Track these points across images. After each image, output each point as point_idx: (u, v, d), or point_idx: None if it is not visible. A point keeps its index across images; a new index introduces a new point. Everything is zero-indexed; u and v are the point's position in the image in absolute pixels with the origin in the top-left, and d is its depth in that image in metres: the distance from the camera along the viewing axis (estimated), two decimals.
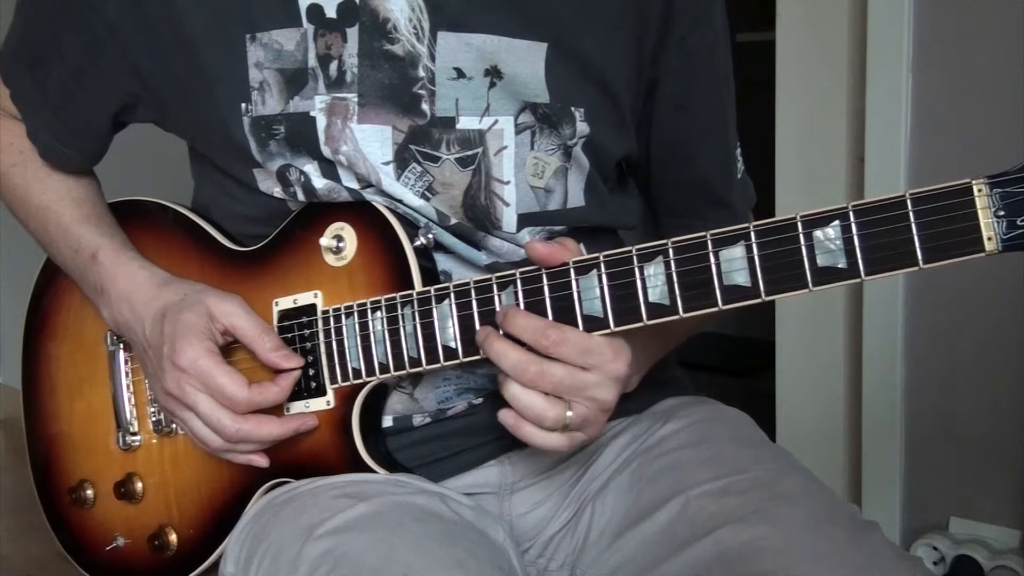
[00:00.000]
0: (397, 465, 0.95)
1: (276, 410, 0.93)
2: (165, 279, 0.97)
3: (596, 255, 0.82)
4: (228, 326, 0.91)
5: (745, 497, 0.88)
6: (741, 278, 0.77)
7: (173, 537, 1.02)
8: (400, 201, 0.92)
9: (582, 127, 0.93)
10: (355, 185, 0.92)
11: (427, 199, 0.92)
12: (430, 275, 0.91)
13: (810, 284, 0.75)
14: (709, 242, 0.78)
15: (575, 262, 0.82)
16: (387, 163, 0.91)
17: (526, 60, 0.90)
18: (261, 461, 0.93)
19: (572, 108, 0.92)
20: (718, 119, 1.01)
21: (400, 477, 0.93)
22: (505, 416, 0.83)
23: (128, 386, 1.05)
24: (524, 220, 0.94)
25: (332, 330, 0.92)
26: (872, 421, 1.84)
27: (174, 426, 1.01)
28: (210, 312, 0.91)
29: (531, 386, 0.81)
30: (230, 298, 0.93)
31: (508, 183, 0.93)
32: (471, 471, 0.99)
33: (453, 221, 0.93)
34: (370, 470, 0.92)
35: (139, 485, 1.04)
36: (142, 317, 0.95)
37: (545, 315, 0.83)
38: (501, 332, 0.83)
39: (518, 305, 0.84)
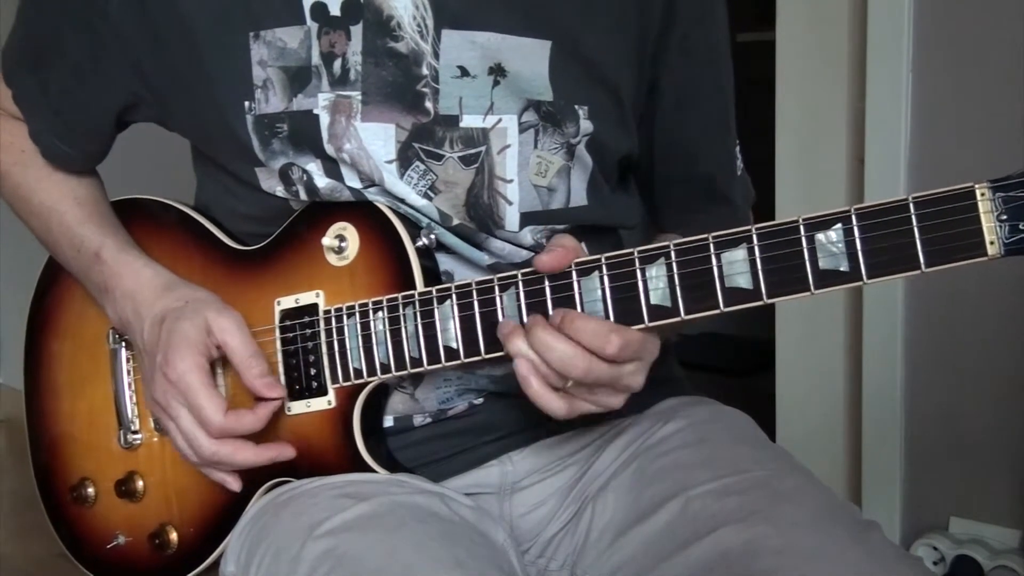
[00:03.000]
0: (398, 465, 0.95)
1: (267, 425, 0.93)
2: (169, 281, 0.97)
3: (598, 256, 0.82)
4: (221, 342, 0.92)
5: (745, 497, 0.88)
6: (743, 280, 0.77)
7: (174, 536, 1.02)
8: (403, 200, 0.92)
9: (586, 125, 0.93)
10: (358, 184, 0.92)
11: (430, 198, 0.92)
12: (432, 275, 0.91)
13: (812, 287, 0.75)
14: (711, 244, 0.78)
15: (577, 263, 0.82)
16: (390, 161, 0.91)
17: (530, 58, 0.90)
18: (234, 485, 0.94)
19: (576, 106, 0.92)
20: (719, 117, 1.02)
21: (400, 477, 0.93)
22: (520, 365, 0.81)
23: (130, 384, 1.05)
24: (527, 219, 0.94)
25: (334, 330, 0.92)
26: (872, 421, 1.84)
27: None
28: (208, 326, 0.92)
29: (576, 379, 0.80)
30: (229, 314, 0.93)
31: (511, 182, 0.93)
32: (472, 471, 0.99)
33: (455, 222, 0.93)
34: (371, 470, 0.92)
35: (140, 483, 1.04)
36: (143, 318, 0.95)
37: (546, 316, 0.83)
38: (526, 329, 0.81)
39: (519, 306, 0.84)
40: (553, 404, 0.82)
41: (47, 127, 1.04)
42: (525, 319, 0.83)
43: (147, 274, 0.98)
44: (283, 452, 0.93)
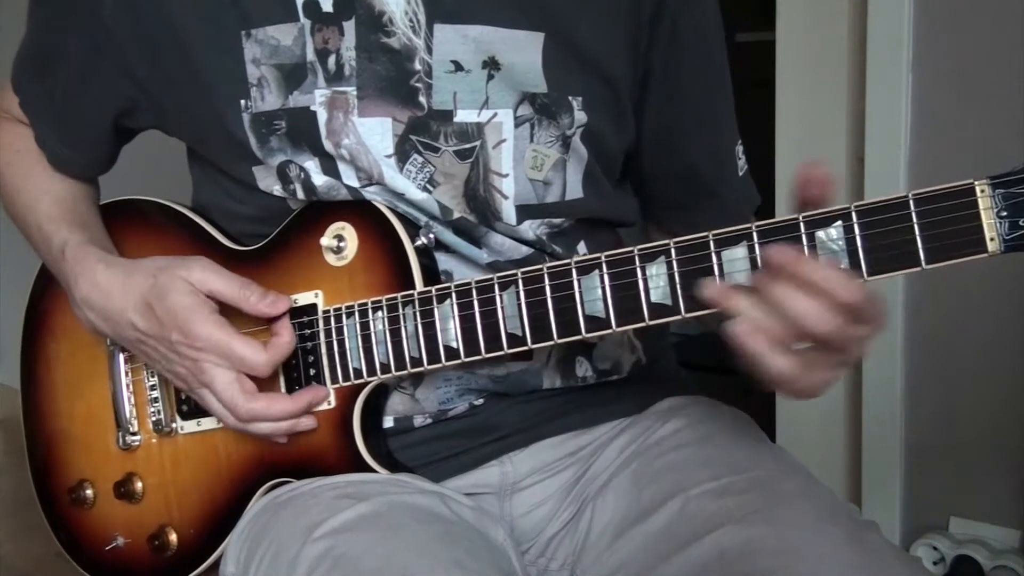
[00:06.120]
0: (398, 465, 0.95)
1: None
2: (126, 269, 0.95)
3: (598, 255, 0.82)
4: (208, 292, 0.91)
5: (745, 497, 0.88)
6: (744, 278, 0.77)
7: (173, 537, 1.01)
8: (402, 195, 0.92)
9: (580, 116, 0.93)
10: (355, 183, 0.92)
11: (429, 191, 0.92)
12: (431, 274, 0.91)
13: None
14: (711, 242, 0.78)
15: (576, 262, 0.82)
16: (389, 155, 0.91)
17: (523, 50, 0.90)
18: (280, 437, 0.93)
19: (570, 97, 0.92)
20: (709, 106, 1.00)
21: (400, 477, 0.93)
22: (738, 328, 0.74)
23: (128, 385, 1.05)
24: (523, 212, 0.94)
25: (333, 330, 0.92)
26: (872, 421, 1.84)
27: (174, 426, 1.01)
28: (190, 286, 0.90)
29: (820, 339, 0.72)
30: (197, 264, 0.91)
31: (506, 176, 0.93)
32: (472, 471, 0.99)
33: (456, 215, 0.92)
34: (371, 470, 0.92)
35: (139, 485, 1.04)
36: (125, 311, 0.93)
37: (547, 315, 0.83)
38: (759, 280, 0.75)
39: (519, 304, 0.84)
40: (779, 362, 0.73)
41: (52, 132, 1.05)
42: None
43: (102, 276, 0.96)
44: (317, 394, 0.92)
